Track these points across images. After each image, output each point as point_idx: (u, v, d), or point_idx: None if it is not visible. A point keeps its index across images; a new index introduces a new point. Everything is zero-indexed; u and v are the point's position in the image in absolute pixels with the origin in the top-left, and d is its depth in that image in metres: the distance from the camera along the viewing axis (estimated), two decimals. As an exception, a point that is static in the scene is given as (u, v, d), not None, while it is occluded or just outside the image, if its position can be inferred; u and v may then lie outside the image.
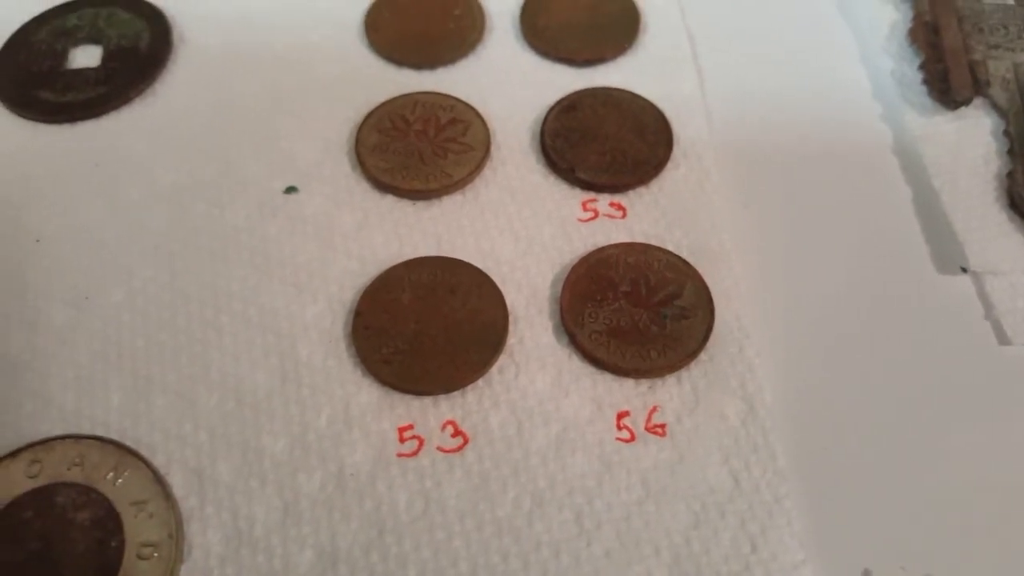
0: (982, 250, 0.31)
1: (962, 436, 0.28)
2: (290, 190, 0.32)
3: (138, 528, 0.26)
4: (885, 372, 0.29)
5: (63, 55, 0.36)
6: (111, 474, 0.27)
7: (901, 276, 0.32)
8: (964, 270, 0.31)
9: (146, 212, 0.32)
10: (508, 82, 0.36)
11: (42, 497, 0.27)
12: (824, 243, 0.32)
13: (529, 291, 0.31)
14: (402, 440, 0.28)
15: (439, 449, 0.28)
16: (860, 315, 0.31)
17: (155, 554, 0.26)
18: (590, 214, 0.32)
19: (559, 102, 0.35)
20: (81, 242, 0.32)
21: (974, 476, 0.27)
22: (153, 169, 0.33)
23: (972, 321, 0.30)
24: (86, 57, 0.36)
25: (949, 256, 0.32)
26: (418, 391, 0.29)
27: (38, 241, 0.31)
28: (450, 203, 0.33)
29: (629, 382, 0.29)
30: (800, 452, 0.28)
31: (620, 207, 0.33)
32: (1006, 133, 0.33)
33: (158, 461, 0.27)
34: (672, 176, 0.33)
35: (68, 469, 0.27)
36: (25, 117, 0.35)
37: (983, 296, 0.31)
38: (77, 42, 0.37)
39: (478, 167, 0.33)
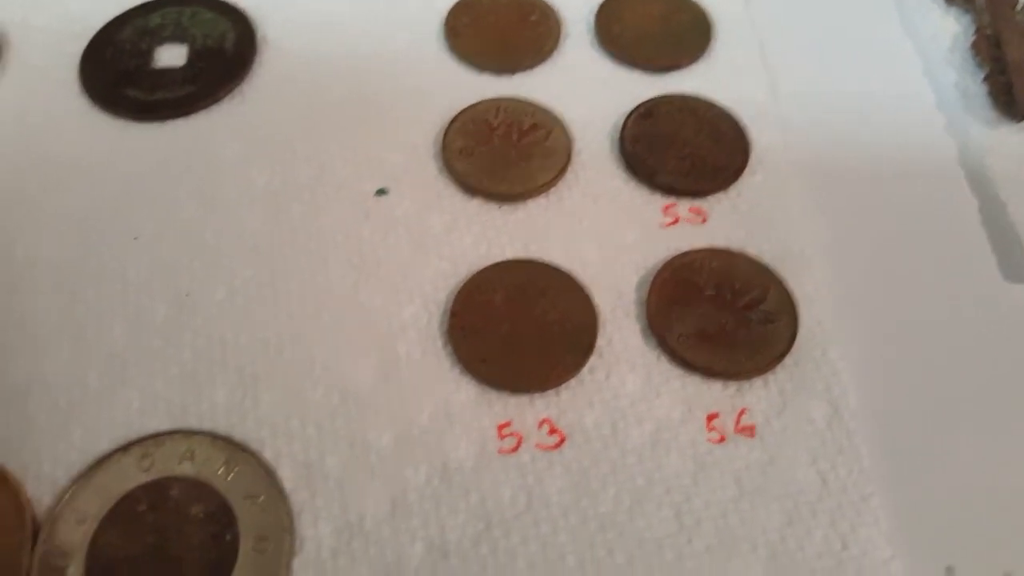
0: (1050, 260, 0.32)
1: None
2: (380, 192, 0.33)
3: (252, 521, 0.27)
4: (960, 375, 0.31)
5: (148, 54, 0.37)
6: (222, 468, 0.28)
7: (971, 284, 0.33)
8: (1031, 279, 0.32)
9: (243, 212, 0.33)
10: (586, 88, 0.37)
11: (156, 490, 0.28)
12: (896, 249, 0.33)
13: (615, 294, 0.32)
14: (501, 437, 0.29)
15: (538, 446, 0.29)
16: (933, 320, 0.32)
17: (269, 547, 0.27)
18: (671, 219, 0.33)
19: (636, 108, 0.36)
20: (179, 241, 0.32)
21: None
22: (247, 170, 0.34)
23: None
24: (172, 56, 0.37)
25: (1017, 265, 0.33)
26: (514, 389, 0.29)
27: (136, 239, 0.32)
28: (535, 207, 0.34)
29: (717, 384, 0.30)
30: (884, 452, 0.29)
31: (700, 212, 0.34)
32: (1070, 145, 0.35)
33: (267, 455, 0.28)
34: (750, 182, 0.34)
35: (179, 463, 0.28)
36: (115, 115, 0.35)
37: (1051, 304, 0.32)
38: (161, 41, 0.37)
39: (561, 171, 0.34)
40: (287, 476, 0.28)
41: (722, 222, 0.33)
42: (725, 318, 0.31)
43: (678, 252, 0.32)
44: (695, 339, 0.30)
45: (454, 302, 0.31)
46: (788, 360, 0.30)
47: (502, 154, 0.34)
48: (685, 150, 0.35)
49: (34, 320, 0.30)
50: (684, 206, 0.34)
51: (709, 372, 0.30)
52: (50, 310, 0.31)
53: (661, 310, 0.31)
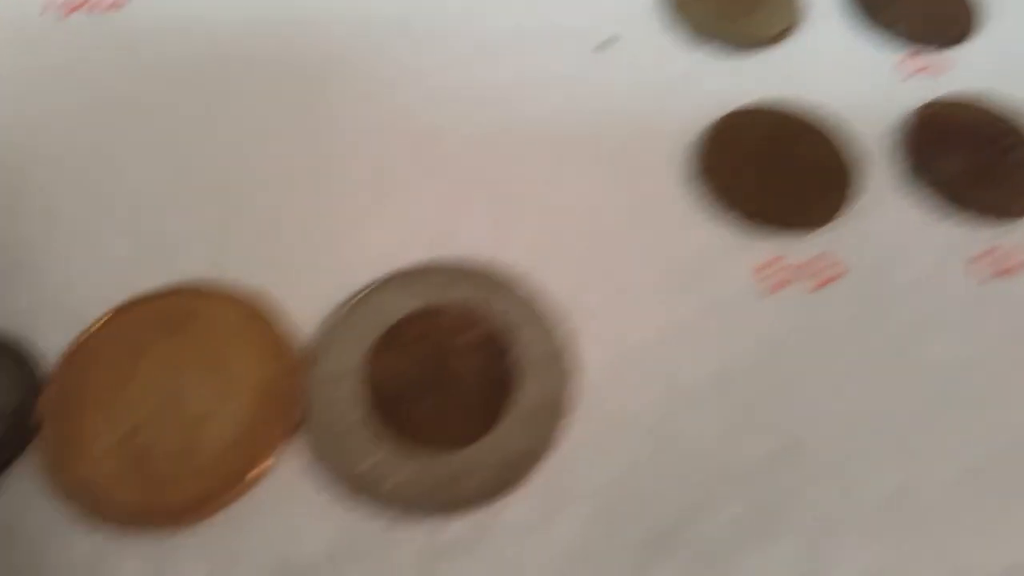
0: None
1: None
2: (611, 40, 0.33)
3: (527, 346, 0.26)
4: None
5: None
6: (489, 297, 0.27)
7: None
8: None
9: (475, 64, 0.32)
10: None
11: (425, 318, 0.27)
12: None
13: (867, 138, 0.31)
14: (768, 273, 0.28)
15: (806, 283, 0.28)
16: None
17: (548, 369, 0.26)
18: (913, 68, 0.33)
19: (871, -40, 0.35)
20: (417, 88, 0.32)
21: None
22: (479, 22, 0.33)
23: None
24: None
25: None
26: (779, 227, 0.29)
27: (369, 87, 0.32)
28: (772, 54, 0.33)
29: (983, 223, 0.29)
30: None
31: (942, 61, 0.33)
32: None
33: (531, 285, 0.28)
34: (990, 34, 0.34)
35: (444, 292, 0.27)
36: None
37: None
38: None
39: (797, 20, 0.33)
40: (556, 304, 0.27)
41: (966, 71, 0.33)
42: (986, 160, 0.30)
43: (925, 101, 0.31)
44: (957, 180, 0.30)
45: (703, 145, 0.30)
46: (1055, 200, 0.29)
47: (732, 3, 0.33)
48: (924, 2, 0.34)
49: (281, 157, 0.30)
50: (925, 56, 0.33)
51: (976, 211, 0.29)
52: (295, 148, 0.30)
53: (920, 153, 0.30)
